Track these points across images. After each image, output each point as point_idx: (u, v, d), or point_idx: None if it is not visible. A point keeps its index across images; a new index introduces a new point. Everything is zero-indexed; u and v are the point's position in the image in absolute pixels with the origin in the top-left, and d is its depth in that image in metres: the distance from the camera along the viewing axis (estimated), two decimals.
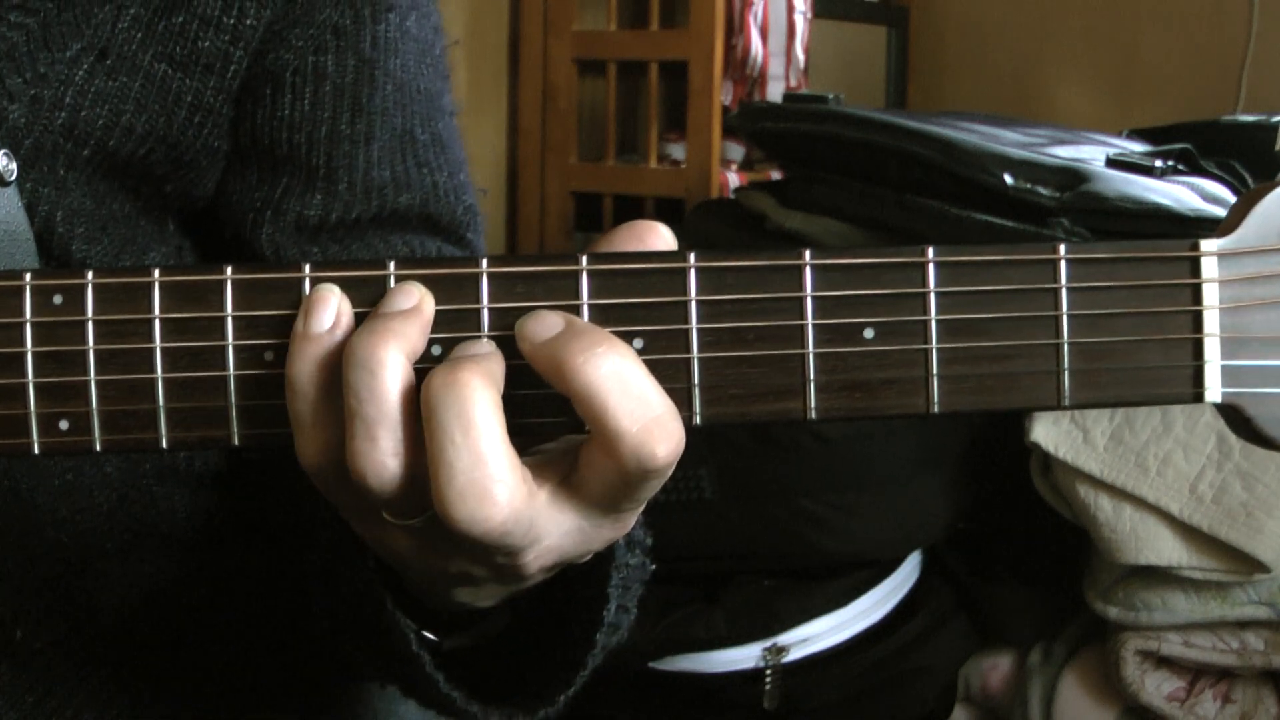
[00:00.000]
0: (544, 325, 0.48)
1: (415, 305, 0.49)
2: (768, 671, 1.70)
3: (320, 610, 0.63)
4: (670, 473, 0.48)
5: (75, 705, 0.69)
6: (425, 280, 0.49)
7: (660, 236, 0.51)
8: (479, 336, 0.49)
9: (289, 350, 0.49)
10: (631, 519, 0.52)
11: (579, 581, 0.58)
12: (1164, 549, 1.52)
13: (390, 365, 0.47)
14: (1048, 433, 1.58)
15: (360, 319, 0.49)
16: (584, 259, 0.49)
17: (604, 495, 0.49)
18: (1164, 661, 1.57)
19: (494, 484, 0.46)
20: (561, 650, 0.59)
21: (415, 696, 0.63)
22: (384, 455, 0.47)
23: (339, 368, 0.48)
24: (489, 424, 0.46)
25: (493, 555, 0.49)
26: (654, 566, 0.60)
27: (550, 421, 0.50)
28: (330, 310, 0.49)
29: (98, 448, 0.50)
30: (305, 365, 0.49)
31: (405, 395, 0.47)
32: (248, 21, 0.69)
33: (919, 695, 1.76)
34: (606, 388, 0.46)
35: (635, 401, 0.46)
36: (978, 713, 1.77)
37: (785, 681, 1.70)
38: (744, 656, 1.71)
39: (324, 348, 0.49)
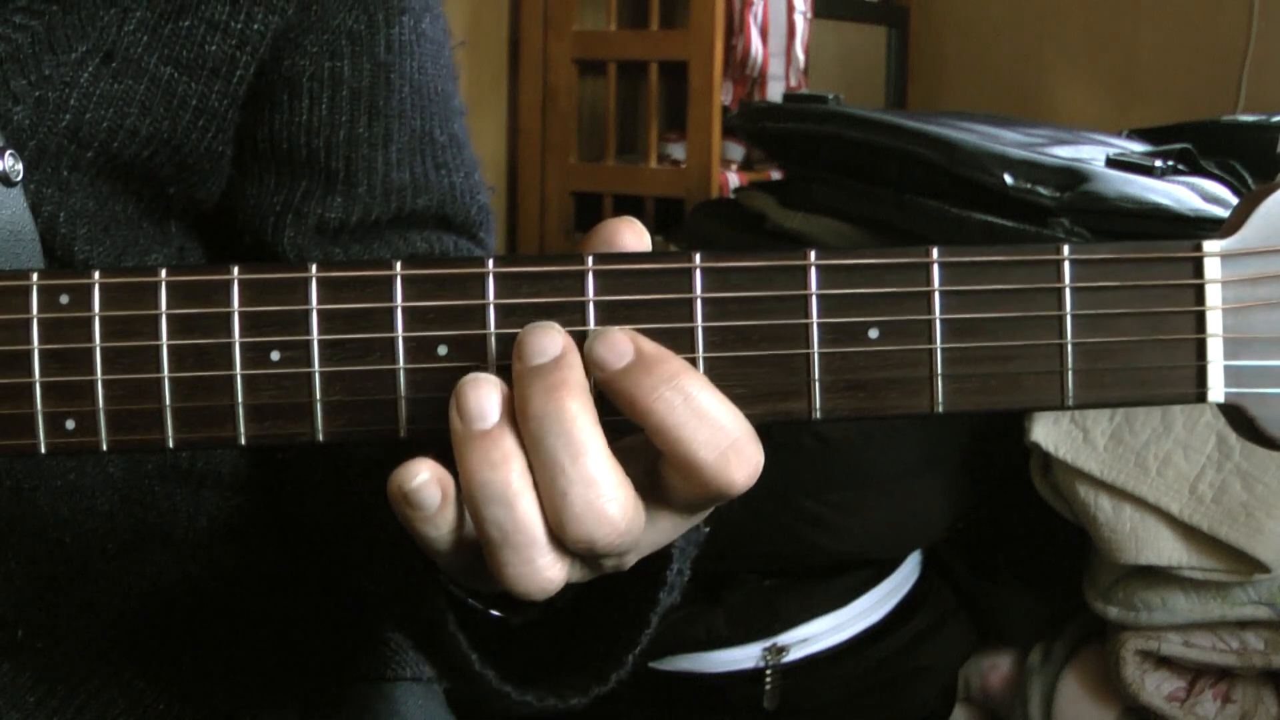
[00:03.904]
0: (614, 352, 0.48)
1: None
2: (768, 671, 1.70)
3: (374, 605, 0.63)
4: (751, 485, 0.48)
5: (76, 705, 0.69)
6: (432, 280, 0.49)
7: (631, 230, 0.51)
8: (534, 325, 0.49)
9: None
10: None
11: None
12: (1164, 549, 1.52)
13: (525, 493, 0.47)
14: (1048, 433, 1.58)
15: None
16: (590, 259, 0.49)
17: (689, 506, 0.50)
18: (1164, 661, 1.57)
19: (608, 503, 0.47)
20: (625, 610, 0.59)
21: (474, 692, 0.62)
22: (545, 571, 0.48)
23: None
24: (594, 444, 0.47)
25: (601, 564, 0.50)
26: (707, 529, 0.60)
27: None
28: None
29: (104, 447, 0.50)
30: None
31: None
32: (255, 26, 0.69)
33: (919, 695, 1.76)
34: (681, 421, 0.47)
35: (711, 430, 0.47)
36: (978, 713, 1.77)
37: (785, 681, 1.70)
38: (744, 656, 1.71)
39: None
